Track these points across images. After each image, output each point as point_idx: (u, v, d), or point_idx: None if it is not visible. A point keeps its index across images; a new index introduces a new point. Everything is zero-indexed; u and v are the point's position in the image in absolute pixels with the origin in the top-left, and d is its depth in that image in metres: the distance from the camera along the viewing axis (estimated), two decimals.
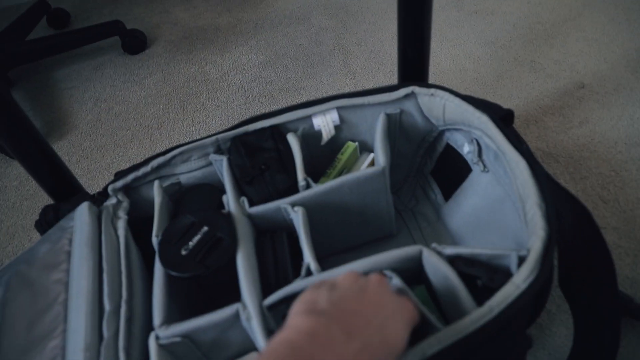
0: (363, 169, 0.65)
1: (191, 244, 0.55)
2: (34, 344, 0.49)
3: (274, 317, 0.51)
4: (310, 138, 0.70)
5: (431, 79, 1.11)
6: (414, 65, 0.79)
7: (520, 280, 0.44)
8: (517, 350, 0.53)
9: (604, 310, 0.51)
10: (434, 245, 0.51)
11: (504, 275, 0.47)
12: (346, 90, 1.13)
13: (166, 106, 1.18)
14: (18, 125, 0.67)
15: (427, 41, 0.76)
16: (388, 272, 0.49)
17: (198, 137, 0.67)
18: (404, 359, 0.39)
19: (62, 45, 1.36)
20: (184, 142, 0.67)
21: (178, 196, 0.68)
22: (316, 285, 0.41)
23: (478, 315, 0.42)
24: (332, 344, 0.34)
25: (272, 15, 1.46)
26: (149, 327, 0.52)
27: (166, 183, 0.67)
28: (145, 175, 0.66)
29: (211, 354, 0.54)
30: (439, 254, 0.50)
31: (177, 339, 0.50)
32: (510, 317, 0.42)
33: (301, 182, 0.63)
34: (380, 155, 0.64)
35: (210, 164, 0.68)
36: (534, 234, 0.47)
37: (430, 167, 0.77)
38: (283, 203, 0.60)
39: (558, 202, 0.52)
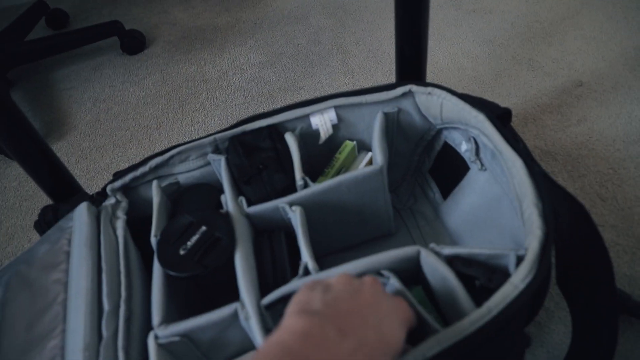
0: (361, 168, 0.65)
1: (189, 243, 0.55)
2: (33, 344, 0.49)
3: (272, 316, 0.51)
4: (308, 137, 0.70)
5: (430, 78, 1.11)
6: (411, 64, 0.79)
7: (518, 280, 0.44)
8: (516, 349, 0.53)
9: (602, 308, 0.51)
10: (432, 245, 0.51)
11: (502, 275, 0.47)
12: (345, 89, 1.13)
13: (165, 106, 1.18)
14: (17, 126, 0.67)
15: (425, 40, 0.76)
16: (385, 272, 0.49)
17: (197, 137, 0.67)
18: None
19: (61, 45, 1.36)
20: (182, 142, 0.68)
21: (176, 196, 0.68)
22: (309, 285, 0.41)
23: (477, 316, 0.42)
24: (326, 343, 0.34)
25: (270, 15, 1.46)
26: (147, 326, 0.52)
27: (164, 183, 0.67)
28: (144, 175, 0.66)
29: (210, 354, 0.54)
30: (437, 254, 0.50)
31: (176, 339, 0.50)
32: (509, 317, 0.42)
33: (299, 181, 0.63)
34: (378, 154, 0.64)
35: (208, 163, 0.68)
36: (531, 233, 0.47)
37: (428, 166, 0.77)
38: (281, 202, 0.60)
39: (555, 201, 0.52)
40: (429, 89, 0.65)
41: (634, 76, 1.04)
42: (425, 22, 0.74)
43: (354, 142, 0.72)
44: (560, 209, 0.52)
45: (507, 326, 0.44)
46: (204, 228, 0.56)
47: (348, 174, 0.62)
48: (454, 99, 0.62)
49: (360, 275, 0.47)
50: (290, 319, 0.36)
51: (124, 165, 1.03)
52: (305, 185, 0.63)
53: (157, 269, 0.55)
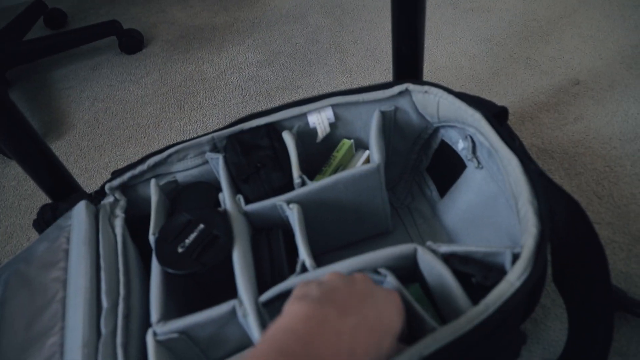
0: (358, 166, 0.66)
1: (188, 241, 0.55)
2: (32, 342, 0.49)
3: (269, 313, 0.51)
4: (305, 136, 0.70)
5: (427, 76, 1.11)
6: (408, 63, 0.80)
7: (514, 277, 0.44)
8: (512, 346, 0.54)
9: (598, 305, 0.51)
10: (428, 243, 0.51)
11: (498, 272, 0.47)
12: (342, 88, 1.13)
13: (163, 105, 1.18)
14: (16, 125, 0.67)
15: (421, 38, 0.77)
16: (382, 270, 0.49)
17: (195, 136, 0.68)
18: (402, 358, 0.39)
19: (59, 45, 1.37)
20: (181, 140, 0.68)
21: (175, 194, 0.68)
22: (305, 282, 0.42)
23: (473, 314, 0.42)
24: (328, 323, 0.35)
25: (268, 14, 1.46)
26: (146, 323, 0.52)
27: (163, 181, 0.68)
28: (142, 173, 0.66)
29: (209, 350, 0.54)
30: (434, 252, 0.50)
31: (175, 335, 0.50)
32: (505, 315, 0.43)
33: (297, 179, 0.63)
34: (375, 153, 0.64)
35: (206, 162, 0.69)
36: (527, 231, 0.47)
37: (425, 164, 0.77)
38: (279, 200, 0.61)
39: (552, 199, 0.52)
40: (426, 87, 0.65)
41: (630, 74, 1.04)
42: (421, 21, 0.74)
43: (352, 141, 0.72)
44: (557, 207, 0.53)
45: (503, 323, 0.44)
46: (202, 226, 0.56)
47: (345, 172, 0.62)
48: (451, 98, 0.63)
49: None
50: (292, 306, 0.37)
51: (122, 164, 1.03)
52: (303, 184, 0.63)
53: (155, 266, 0.55)
